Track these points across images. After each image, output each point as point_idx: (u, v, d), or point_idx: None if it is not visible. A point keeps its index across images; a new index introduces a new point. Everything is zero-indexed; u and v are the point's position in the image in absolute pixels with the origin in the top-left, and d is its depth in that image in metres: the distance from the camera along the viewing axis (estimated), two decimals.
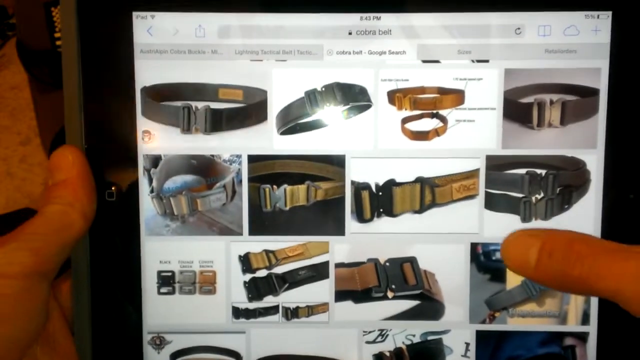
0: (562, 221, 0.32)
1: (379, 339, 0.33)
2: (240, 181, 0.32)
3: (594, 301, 0.32)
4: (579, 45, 0.31)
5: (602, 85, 0.31)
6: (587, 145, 0.31)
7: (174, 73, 0.31)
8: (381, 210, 0.32)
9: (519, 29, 0.31)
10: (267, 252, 0.33)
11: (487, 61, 0.31)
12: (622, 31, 0.31)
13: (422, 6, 0.31)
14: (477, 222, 0.32)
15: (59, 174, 0.30)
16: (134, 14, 0.31)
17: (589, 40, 0.31)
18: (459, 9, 0.31)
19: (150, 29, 0.31)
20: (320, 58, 0.31)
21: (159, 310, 0.33)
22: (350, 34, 0.31)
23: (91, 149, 0.31)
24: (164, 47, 0.31)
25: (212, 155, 0.32)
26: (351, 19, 0.31)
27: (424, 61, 0.31)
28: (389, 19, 0.31)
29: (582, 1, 0.31)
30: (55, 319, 0.30)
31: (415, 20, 0.31)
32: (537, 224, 0.32)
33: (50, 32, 0.54)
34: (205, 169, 0.32)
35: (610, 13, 0.31)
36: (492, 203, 0.32)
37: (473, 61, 0.31)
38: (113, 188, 0.32)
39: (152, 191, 0.32)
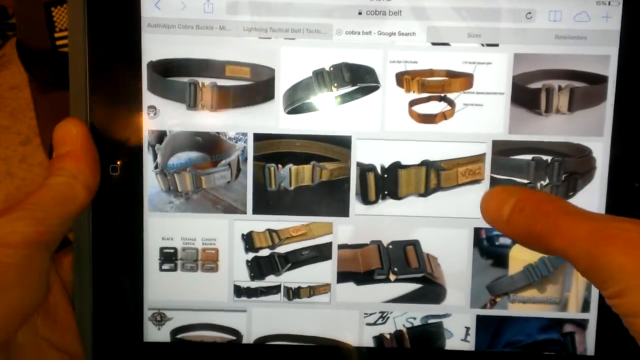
0: None
1: (380, 321, 0.33)
2: (246, 159, 0.32)
3: (595, 289, 0.32)
4: (589, 32, 0.31)
5: (611, 72, 0.31)
6: (594, 133, 0.31)
7: (181, 48, 0.31)
8: (386, 192, 0.32)
9: (529, 13, 0.31)
10: (270, 231, 0.32)
11: (496, 45, 0.31)
12: (633, 18, 0.30)
13: None
14: None
15: (62, 147, 0.30)
16: None
17: (599, 27, 0.31)
18: None
19: (158, 3, 0.31)
20: (329, 37, 0.31)
21: (160, 287, 0.33)
22: (360, 13, 0.31)
23: (96, 123, 0.31)
24: (171, 22, 0.31)
25: (218, 133, 0.32)
26: None
27: (434, 44, 0.31)
28: (399, 0, 0.31)
29: None
30: (56, 293, 0.30)
31: (426, 1, 0.31)
32: None
33: (50, 32, 0.54)
34: (211, 146, 0.32)
35: (621, 0, 0.30)
36: None
37: (482, 45, 0.31)
38: (117, 163, 0.31)
39: (156, 167, 0.32)
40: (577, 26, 0.31)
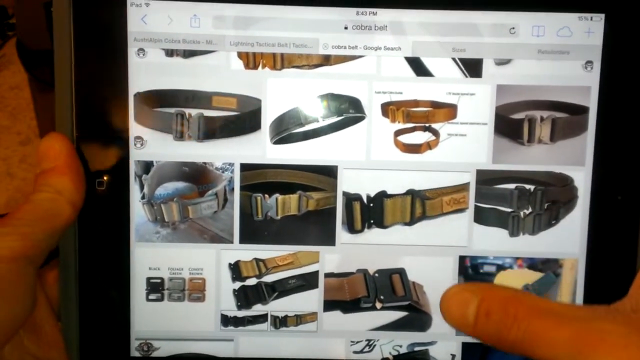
0: (550, 236, 0.32)
1: (367, 349, 0.33)
2: (232, 189, 0.32)
3: None
4: (571, 47, 0.31)
5: (592, 103, 0.32)
6: (576, 162, 0.32)
7: (168, 79, 0.31)
8: (372, 221, 0.32)
9: (513, 28, 0.31)
10: (257, 260, 0.33)
11: (480, 77, 0.32)
12: (614, 33, 0.31)
13: (417, 3, 0.31)
14: (466, 235, 0.32)
15: (46, 162, 0.30)
16: (129, 1, 0.31)
17: (581, 42, 0.31)
18: (454, 7, 0.31)
19: (145, 17, 0.31)
20: (315, 52, 0.31)
21: (147, 317, 0.32)
22: (346, 28, 0.31)
23: (82, 138, 0.31)
24: (158, 37, 0.31)
25: (205, 163, 0.32)
26: (347, 13, 0.31)
27: (419, 75, 0.32)
28: (385, 15, 0.31)
29: (575, 3, 0.31)
30: (42, 308, 0.30)
31: (411, 16, 0.31)
32: (524, 238, 0.32)
33: (50, 32, 0.54)
34: (197, 177, 0.32)
35: (603, 15, 0.31)
36: (481, 217, 0.32)
37: (466, 76, 0.31)
38: (104, 178, 0.31)
39: (143, 197, 0.32)
40: (560, 41, 0.31)
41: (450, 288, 0.23)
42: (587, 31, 0.31)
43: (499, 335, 0.21)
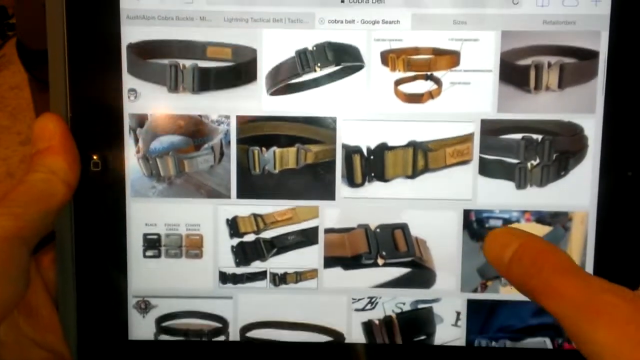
0: (558, 188, 0.31)
1: (369, 306, 0.32)
2: (229, 142, 0.31)
3: (589, 271, 0.31)
4: (578, 16, 0.30)
5: (602, 47, 0.30)
6: (585, 110, 0.31)
7: (161, 30, 0.30)
8: (372, 174, 0.31)
9: None
10: (255, 216, 0.32)
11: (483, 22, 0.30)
12: (623, 2, 0.30)
13: None
14: (470, 188, 0.31)
15: (40, 142, 0.29)
16: None
17: (588, 12, 0.30)
18: None
19: None
20: (311, 27, 0.30)
21: (144, 274, 0.32)
22: (342, 1, 0.30)
23: (76, 117, 0.30)
24: (150, 14, 0.30)
25: (200, 116, 0.31)
26: None
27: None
28: None
29: None
30: (38, 292, 0.30)
31: None
32: (532, 191, 0.31)
33: None
34: (193, 130, 0.31)
35: None
36: (486, 169, 0.31)
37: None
38: (97, 157, 0.31)
39: (138, 152, 0.31)
40: (566, 10, 0.30)
41: (499, 228, 0.26)
42: (594, 0, 0.30)
43: (522, 280, 0.23)
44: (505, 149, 0.31)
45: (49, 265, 0.31)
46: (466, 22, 0.30)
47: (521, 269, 0.23)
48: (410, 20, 0.30)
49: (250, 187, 0.32)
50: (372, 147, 0.31)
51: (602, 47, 0.30)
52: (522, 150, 0.31)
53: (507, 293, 0.32)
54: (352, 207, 0.32)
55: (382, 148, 0.31)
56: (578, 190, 0.31)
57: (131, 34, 0.30)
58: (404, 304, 0.32)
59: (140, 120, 0.31)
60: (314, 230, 0.32)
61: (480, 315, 0.32)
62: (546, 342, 0.32)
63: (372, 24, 0.30)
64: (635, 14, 0.30)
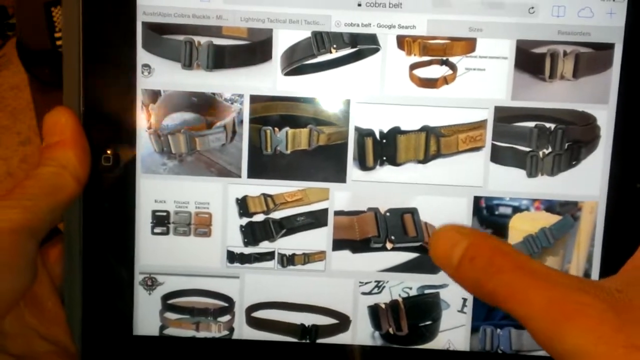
0: (569, 178, 0.31)
1: (375, 290, 0.32)
2: (241, 122, 0.31)
3: (596, 261, 0.32)
4: (592, 28, 0.30)
5: (617, 39, 0.30)
6: (599, 100, 0.31)
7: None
8: (384, 158, 0.31)
9: (532, 8, 0.30)
10: (265, 196, 0.32)
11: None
12: (638, 15, 0.30)
13: None
14: (481, 175, 0.31)
15: (51, 136, 0.29)
16: None
17: (603, 23, 0.30)
18: None
19: None
20: (327, 29, 0.30)
21: (151, 251, 0.32)
22: (359, 5, 0.30)
23: (88, 111, 0.30)
24: (167, 11, 0.30)
25: (213, 94, 0.31)
26: None
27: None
28: None
29: None
30: (44, 284, 0.30)
31: None
32: (543, 179, 0.31)
33: (50, 32, 0.54)
34: (206, 108, 0.31)
35: None
36: (498, 156, 0.31)
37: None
38: (109, 152, 0.31)
39: (149, 127, 0.31)
40: (581, 22, 0.30)
41: (442, 226, 0.23)
42: (609, 12, 0.30)
43: (478, 283, 0.21)
44: (517, 137, 0.31)
45: (56, 260, 0.31)
46: (482, 29, 0.30)
47: (474, 270, 0.21)
48: (426, 26, 0.30)
49: (261, 167, 0.31)
50: (385, 130, 0.31)
51: (617, 39, 0.30)
52: (534, 139, 0.31)
53: None
54: (362, 190, 0.32)
55: (395, 132, 0.31)
56: (588, 180, 0.31)
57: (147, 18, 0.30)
58: (410, 288, 0.32)
59: (153, 97, 0.31)
60: (324, 212, 0.32)
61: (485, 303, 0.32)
62: None
63: (388, 28, 0.30)
64: None
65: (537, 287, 0.19)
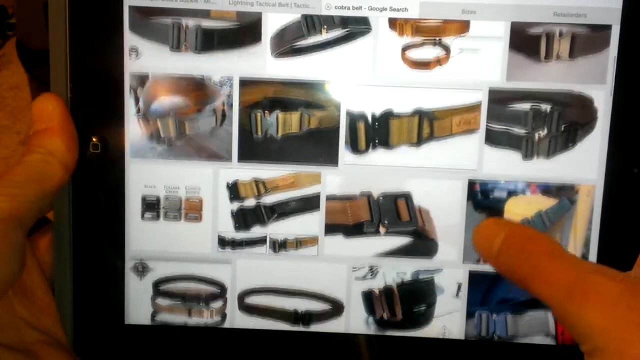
0: (566, 160, 0.31)
1: (369, 275, 0.32)
2: (231, 105, 0.31)
3: (594, 245, 0.31)
4: (589, 9, 0.29)
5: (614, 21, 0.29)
6: (596, 81, 0.30)
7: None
8: (377, 141, 0.31)
9: None
10: (256, 181, 0.31)
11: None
12: None
13: None
14: (476, 158, 0.31)
15: (39, 123, 0.29)
16: None
17: (600, 4, 0.29)
18: None
19: None
20: (318, 12, 0.30)
21: (142, 236, 0.31)
22: None
23: (77, 97, 0.30)
24: None
25: (202, 77, 0.30)
26: None
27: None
28: None
29: None
30: (34, 274, 0.29)
31: None
32: (539, 162, 0.31)
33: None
34: (195, 91, 0.31)
35: None
36: (493, 139, 0.31)
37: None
38: (98, 137, 0.30)
39: (138, 112, 0.31)
40: (577, 3, 0.29)
41: (485, 220, 0.26)
42: None
43: (512, 269, 0.23)
44: (513, 119, 0.30)
45: (46, 249, 0.31)
46: (475, 11, 0.30)
47: (510, 258, 0.23)
48: (418, 8, 0.30)
49: (252, 151, 0.31)
50: (377, 114, 0.31)
51: (615, 21, 0.29)
52: (530, 121, 0.30)
53: None
54: (355, 174, 0.31)
55: (388, 115, 0.31)
56: (586, 163, 0.30)
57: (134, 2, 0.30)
58: (405, 274, 0.32)
59: (142, 80, 0.30)
60: (316, 196, 0.31)
61: (481, 287, 0.32)
62: (547, 315, 0.31)
63: (379, 11, 0.30)
64: None
65: (560, 270, 0.21)
